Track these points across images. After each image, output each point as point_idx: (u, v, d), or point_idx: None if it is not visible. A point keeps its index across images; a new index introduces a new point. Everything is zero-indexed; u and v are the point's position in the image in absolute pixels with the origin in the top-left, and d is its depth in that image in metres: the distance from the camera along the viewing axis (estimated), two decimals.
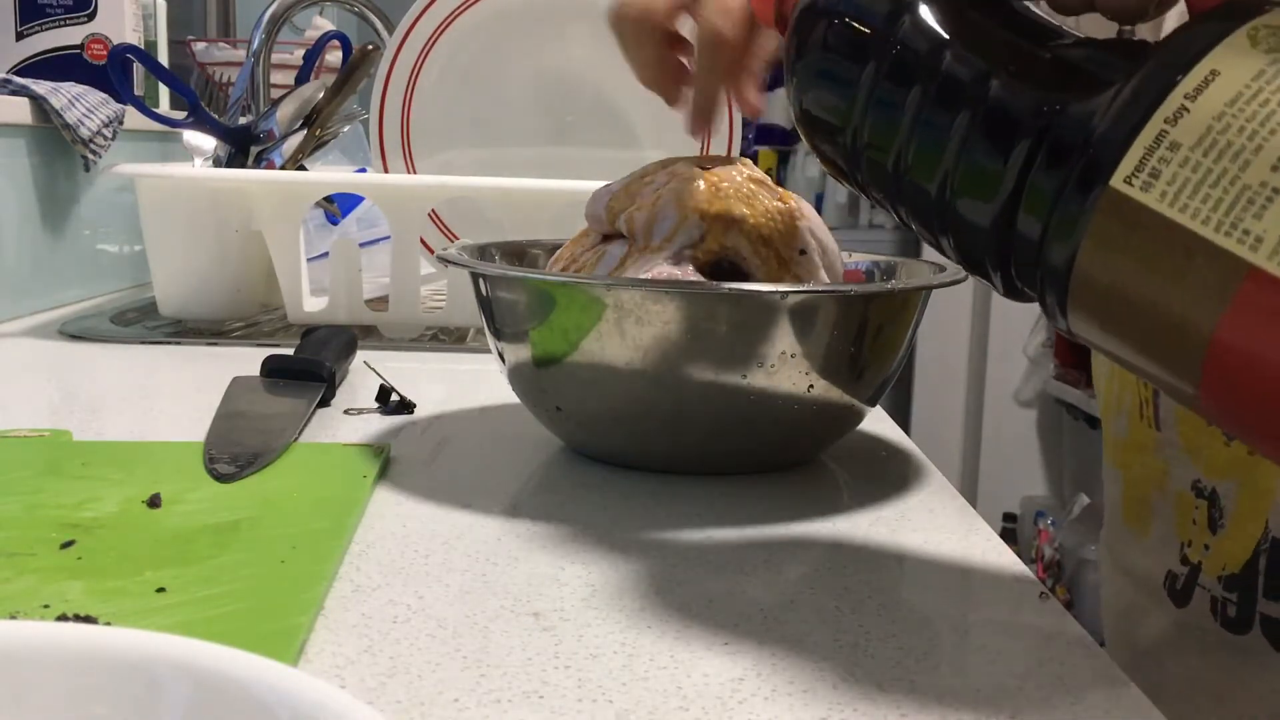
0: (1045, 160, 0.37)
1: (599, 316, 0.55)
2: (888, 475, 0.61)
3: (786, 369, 0.56)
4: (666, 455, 0.60)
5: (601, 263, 0.61)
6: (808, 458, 0.63)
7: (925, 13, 0.40)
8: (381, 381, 0.72)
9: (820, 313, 0.56)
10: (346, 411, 0.71)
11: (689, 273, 0.57)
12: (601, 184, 0.63)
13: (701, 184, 0.58)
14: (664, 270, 0.57)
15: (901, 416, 3.18)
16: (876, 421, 0.72)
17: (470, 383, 0.80)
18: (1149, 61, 0.35)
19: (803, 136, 0.45)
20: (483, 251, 0.69)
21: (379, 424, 0.68)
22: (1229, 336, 0.33)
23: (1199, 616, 0.60)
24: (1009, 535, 3.07)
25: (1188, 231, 0.33)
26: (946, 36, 0.39)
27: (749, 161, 0.62)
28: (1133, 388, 0.64)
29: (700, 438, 0.58)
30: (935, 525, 0.55)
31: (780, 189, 0.61)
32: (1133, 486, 0.65)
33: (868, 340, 0.58)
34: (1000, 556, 0.50)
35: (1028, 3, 0.40)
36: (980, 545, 0.52)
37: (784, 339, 0.55)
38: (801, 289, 0.57)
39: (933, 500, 0.58)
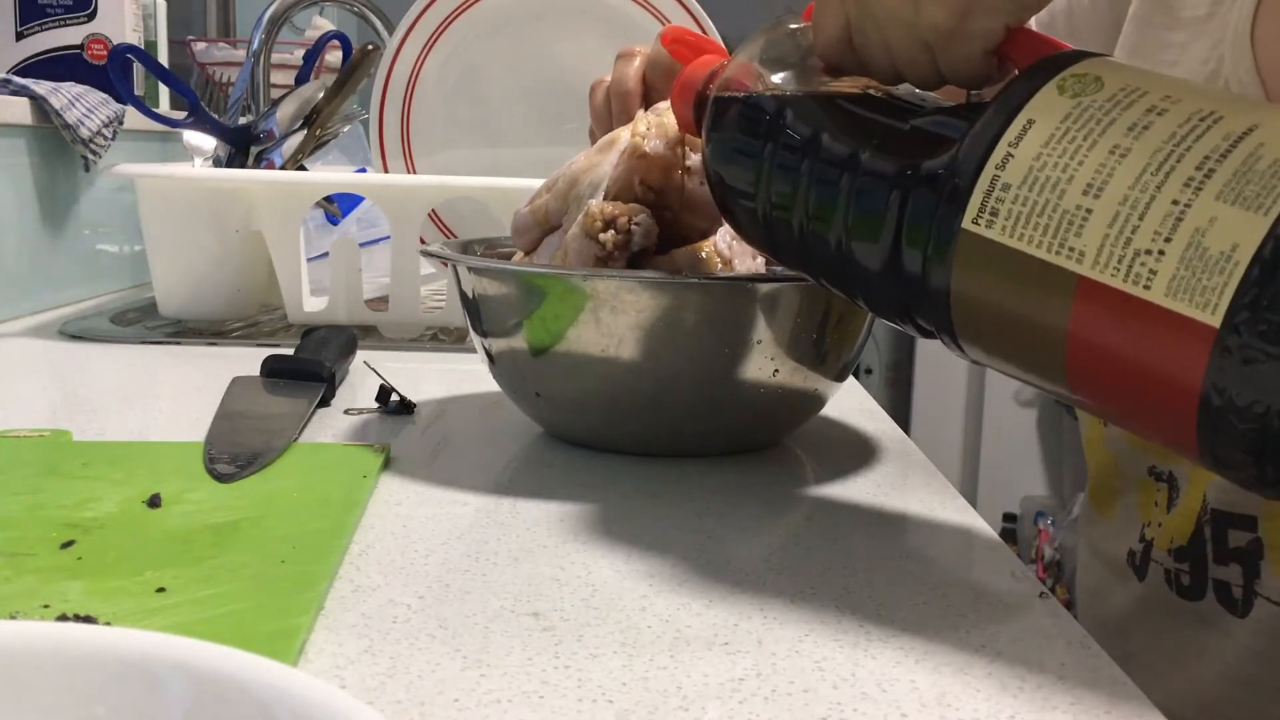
0: (911, 215, 0.43)
1: (576, 306, 0.58)
2: (888, 475, 0.61)
3: (754, 354, 0.59)
4: (640, 438, 0.62)
5: (540, 256, 0.63)
6: (777, 439, 0.66)
7: (803, 106, 0.48)
8: (381, 381, 0.72)
9: (785, 301, 0.59)
10: (346, 411, 0.71)
11: (616, 203, 0.60)
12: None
13: (596, 147, 0.62)
14: (588, 206, 0.60)
15: (901, 416, 3.18)
16: (877, 421, 0.73)
17: (470, 382, 0.80)
18: (981, 119, 0.42)
19: (718, 205, 0.52)
20: (465, 248, 0.70)
21: (379, 424, 0.68)
22: (1077, 339, 0.39)
23: (1157, 589, 0.64)
24: (1009, 535, 3.07)
25: (1027, 256, 0.39)
26: (821, 123, 0.47)
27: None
28: None
29: (672, 422, 0.61)
30: (935, 525, 0.55)
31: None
32: (1097, 475, 0.70)
33: (830, 326, 0.61)
34: (1000, 556, 0.50)
35: (893, 89, 0.48)
36: (980, 545, 0.52)
37: (752, 326, 0.58)
38: (770, 278, 0.60)
39: (933, 500, 0.58)
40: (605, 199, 0.60)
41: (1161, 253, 0.37)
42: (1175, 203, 0.37)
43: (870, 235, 0.44)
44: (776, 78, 0.50)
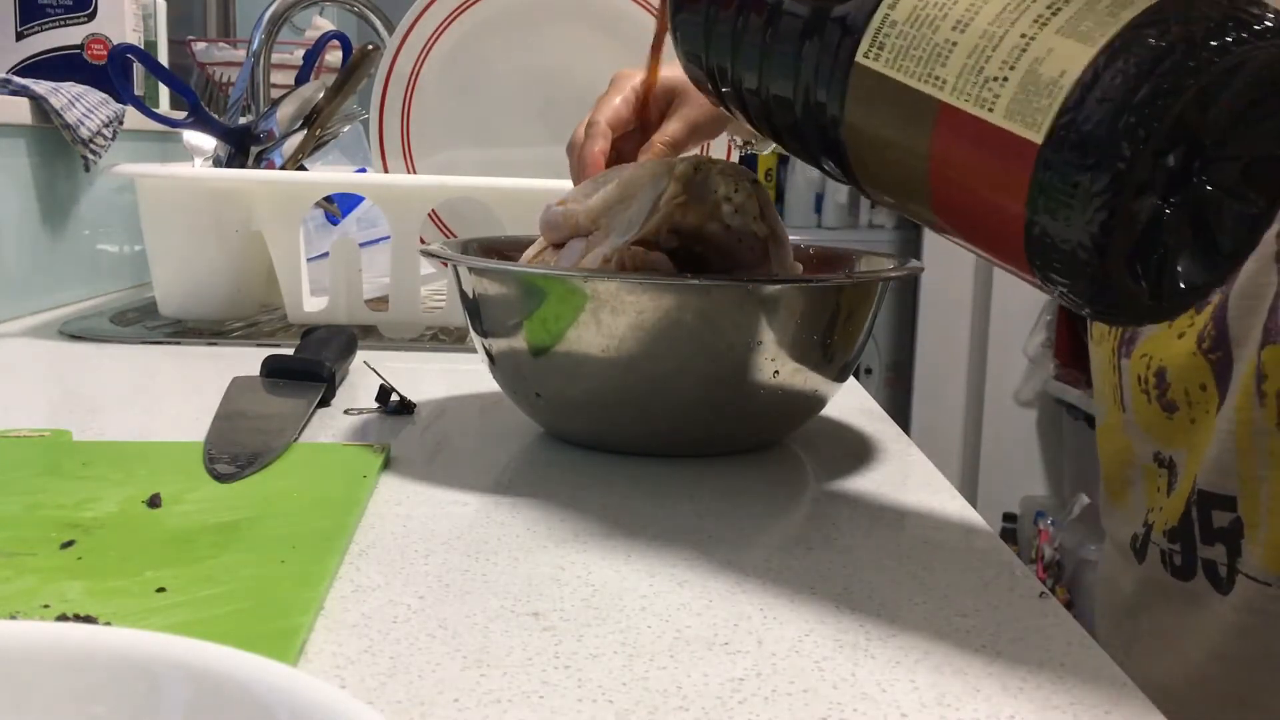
0: (819, 53, 0.47)
1: (577, 307, 0.58)
2: (888, 475, 0.61)
3: (754, 355, 0.59)
4: (640, 438, 0.62)
5: (564, 259, 0.63)
6: (777, 439, 0.66)
7: None
8: (381, 381, 0.72)
9: (786, 302, 0.59)
10: (346, 411, 0.71)
11: (638, 250, 0.60)
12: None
13: (647, 169, 0.62)
14: (615, 244, 0.60)
15: (901, 416, 3.18)
16: (876, 421, 0.73)
17: (470, 382, 0.80)
18: None
19: (684, 69, 0.56)
20: (465, 248, 0.70)
21: (379, 424, 0.68)
22: (937, 162, 0.43)
23: (1155, 570, 0.66)
24: (1009, 535, 3.07)
25: (902, 85, 0.44)
26: None
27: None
28: (1108, 375, 0.69)
29: (672, 422, 0.61)
30: (935, 525, 0.55)
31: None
32: (1110, 465, 0.71)
33: (830, 327, 0.62)
34: (1000, 556, 0.50)
35: None
36: (980, 545, 0.52)
37: (753, 327, 0.59)
38: (770, 279, 0.61)
39: (933, 500, 0.58)
40: (636, 233, 0.60)
41: (1005, 79, 0.41)
42: (1024, 36, 0.41)
43: (788, 75, 0.49)
44: None
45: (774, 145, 0.80)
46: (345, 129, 1.16)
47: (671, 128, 0.71)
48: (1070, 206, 0.39)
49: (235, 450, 0.59)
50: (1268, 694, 0.60)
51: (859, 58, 0.45)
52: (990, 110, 0.41)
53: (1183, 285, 0.41)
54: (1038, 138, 0.39)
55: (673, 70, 0.73)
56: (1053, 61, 0.40)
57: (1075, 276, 0.40)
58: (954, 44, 0.42)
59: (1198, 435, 0.62)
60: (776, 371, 0.60)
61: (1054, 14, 0.40)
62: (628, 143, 0.72)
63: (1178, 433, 0.63)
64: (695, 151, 1.00)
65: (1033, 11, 0.41)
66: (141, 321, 1.03)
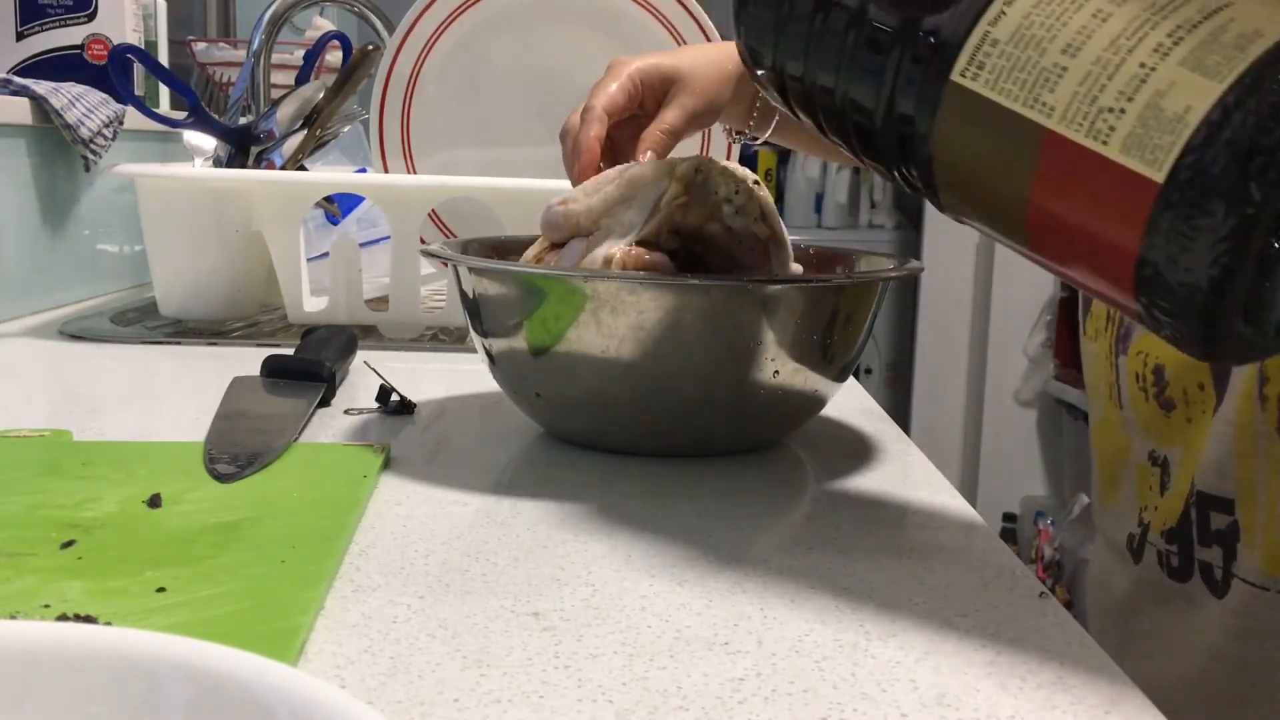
0: (908, 66, 0.45)
1: (577, 307, 0.58)
2: (888, 475, 0.61)
3: (754, 355, 0.59)
4: (640, 438, 0.62)
5: (565, 259, 0.63)
6: (777, 439, 0.66)
7: None
8: (381, 381, 0.72)
9: (786, 302, 0.59)
10: (346, 411, 0.71)
11: (639, 251, 0.60)
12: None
13: (649, 169, 0.62)
14: (616, 246, 0.60)
15: (901, 416, 3.18)
16: (876, 421, 0.73)
17: (470, 382, 0.80)
18: None
19: (747, 69, 0.54)
20: (465, 248, 0.70)
21: (379, 424, 0.68)
22: (1038, 190, 0.41)
23: (1151, 571, 0.65)
24: (1009, 535, 3.07)
25: (1003, 108, 0.42)
26: None
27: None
28: (1104, 372, 0.69)
29: (672, 422, 0.61)
30: (935, 525, 0.55)
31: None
32: (1105, 464, 0.71)
33: (830, 327, 0.61)
34: (1000, 556, 0.50)
35: None
36: (980, 545, 0.52)
37: (753, 327, 0.59)
38: (770, 279, 0.61)
39: (933, 500, 0.58)
40: (637, 234, 0.60)
41: (1123, 110, 0.39)
42: (1143, 65, 0.39)
43: (872, 85, 0.46)
44: None
45: (764, 136, 0.80)
46: (345, 129, 1.16)
47: (670, 115, 0.70)
48: (1190, 250, 0.37)
49: (235, 450, 0.59)
50: (1265, 698, 0.60)
51: (955, 76, 0.43)
52: (1104, 143, 0.39)
53: None
54: (1158, 176, 0.38)
55: (670, 58, 0.73)
56: (1176, 96, 0.38)
57: (1187, 318, 0.39)
58: (1064, 69, 0.40)
59: (1193, 434, 0.62)
60: (776, 371, 0.60)
61: (1176, 44, 0.38)
62: (623, 130, 0.71)
63: (1174, 431, 0.63)
64: (693, 138, 1.01)
65: (1152, 40, 0.39)
66: (141, 321, 1.03)
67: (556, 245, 0.65)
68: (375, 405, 0.71)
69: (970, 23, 0.43)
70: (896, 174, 0.49)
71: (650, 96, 0.72)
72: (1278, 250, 0.38)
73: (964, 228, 0.49)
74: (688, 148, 1.04)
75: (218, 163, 1.16)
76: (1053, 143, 0.40)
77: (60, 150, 1.14)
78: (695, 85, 0.71)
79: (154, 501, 0.51)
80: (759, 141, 0.81)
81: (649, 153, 0.69)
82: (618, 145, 0.72)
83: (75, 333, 0.97)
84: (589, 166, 0.68)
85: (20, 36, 1.23)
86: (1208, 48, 0.38)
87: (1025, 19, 0.42)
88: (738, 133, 0.80)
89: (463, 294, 0.64)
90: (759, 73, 0.54)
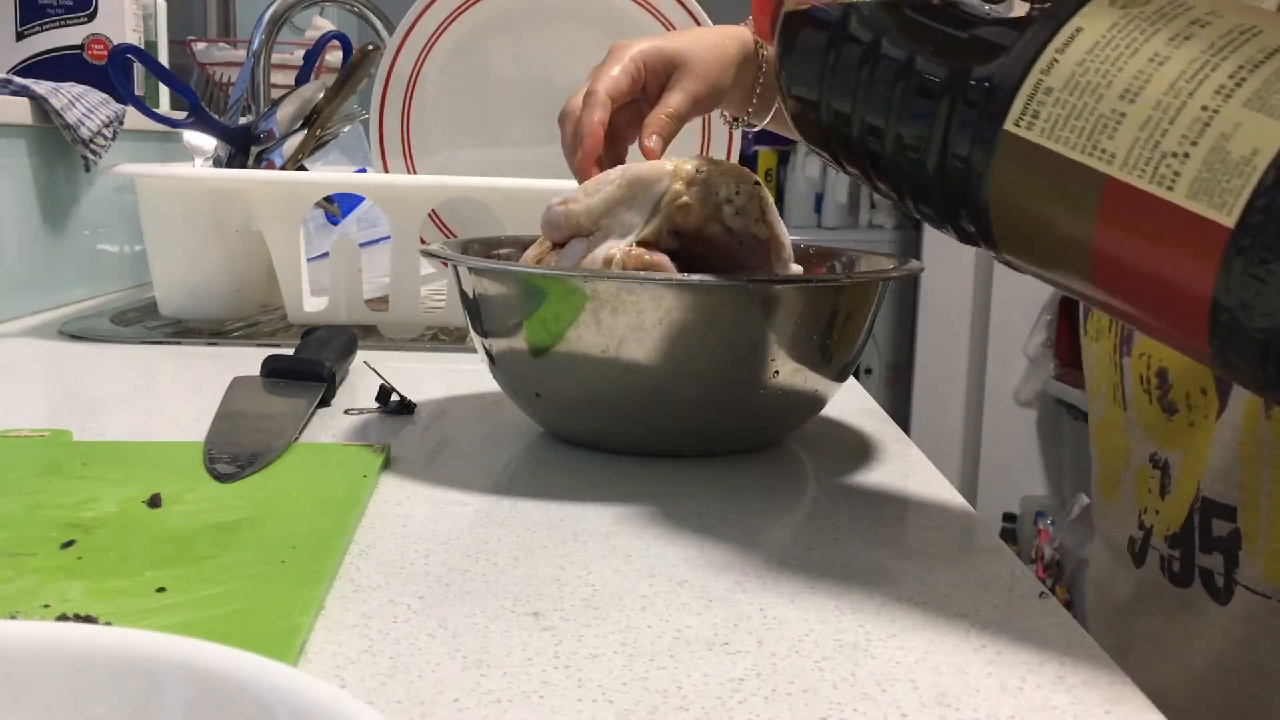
0: (959, 117, 0.44)
1: (577, 307, 0.58)
2: (888, 475, 0.61)
3: (754, 355, 0.59)
4: (640, 438, 0.62)
5: (565, 259, 0.63)
6: (777, 439, 0.66)
7: (868, 13, 0.49)
8: (381, 381, 0.72)
9: (786, 302, 0.59)
10: (346, 411, 0.71)
11: (639, 252, 0.60)
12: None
13: (650, 169, 0.62)
14: (617, 246, 0.60)
15: (901, 416, 3.18)
16: (876, 421, 0.73)
17: (470, 382, 0.80)
18: (1032, 26, 0.43)
19: (790, 118, 0.53)
20: (465, 248, 0.70)
21: (379, 424, 0.68)
22: (1102, 238, 0.41)
23: (1153, 574, 0.65)
24: (1009, 535, 3.07)
25: (1061, 157, 0.41)
26: (883, 29, 0.48)
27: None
28: (1108, 373, 0.69)
29: (672, 422, 0.61)
30: (935, 525, 0.55)
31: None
32: (1106, 464, 0.70)
33: (830, 327, 0.61)
34: (1000, 556, 0.50)
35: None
36: (980, 545, 0.52)
37: (753, 327, 0.59)
38: (770, 279, 0.61)
39: (933, 500, 0.58)
40: (637, 234, 0.60)
41: (1187, 155, 0.38)
42: (1205, 109, 0.38)
43: (922, 137, 0.46)
44: None
45: (761, 124, 0.80)
46: (345, 129, 1.16)
47: (674, 99, 0.69)
48: (1264, 295, 0.36)
49: (235, 450, 0.59)
50: (1262, 705, 0.60)
51: (1009, 125, 0.42)
52: (1170, 189, 0.38)
53: None
54: (1229, 221, 0.37)
55: (672, 41, 0.72)
56: (1242, 138, 0.37)
57: (1265, 362, 0.38)
58: (1122, 114, 0.39)
59: (1196, 439, 0.61)
60: (776, 371, 0.60)
61: (1238, 85, 0.38)
62: (622, 114, 0.70)
63: (1176, 435, 0.63)
64: (694, 138, 1.00)
65: (1213, 82, 0.38)
66: (141, 321, 1.03)
67: (557, 245, 0.65)
68: (375, 405, 0.71)
69: (1022, 72, 0.42)
70: (950, 224, 0.48)
71: (652, 80, 0.71)
72: None
73: None
74: (688, 148, 1.04)
75: (218, 163, 1.16)
76: (1115, 190, 0.40)
77: (60, 150, 1.14)
78: (698, 69, 0.70)
79: (154, 501, 0.51)
80: (756, 128, 0.80)
81: (654, 137, 0.68)
82: (616, 129, 0.70)
83: (75, 333, 0.97)
84: (591, 153, 0.68)
85: (20, 36, 1.23)
86: (1271, 88, 0.37)
87: (1079, 66, 0.41)
88: (735, 119, 0.80)
89: (463, 294, 0.64)
90: (804, 126, 0.53)
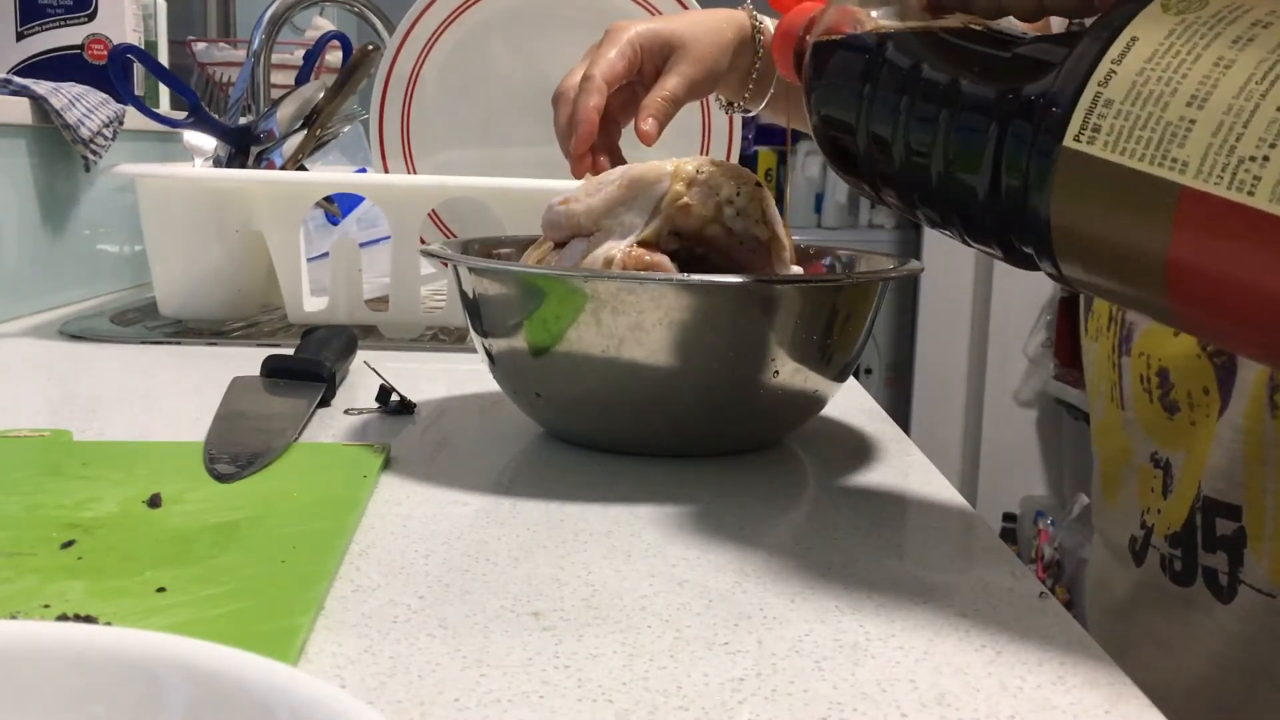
0: (1012, 137, 0.43)
1: (577, 307, 0.58)
2: (887, 475, 0.61)
3: (754, 355, 0.59)
4: (640, 438, 0.62)
5: (566, 259, 0.63)
6: (777, 439, 0.66)
7: (905, 40, 0.48)
8: (381, 381, 0.72)
9: (786, 302, 0.59)
10: (346, 411, 0.71)
11: (640, 252, 0.60)
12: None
13: (650, 170, 0.62)
14: (617, 246, 0.60)
15: (901, 416, 3.18)
16: (876, 421, 0.73)
17: (470, 382, 0.80)
18: (1083, 40, 0.42)
19: (821, 147, 0.52)
20: (465, 248, 0.70)
21: (379, 424, 0.68)
22: (1179, 249, 0.39)
23: (1153, 574, 0.65)
24: (1009, 535, 3.07)
25: (1129, 170, 0.40)
26: (923, 55, 0.47)
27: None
28: (1106, 372, 0.69)
29: (672, 422, 0.61)
30: (935, 525, 0.55)
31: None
32: (1107, 464, 0.70)
33: (830, 327, 0.61)
34: (1000, 556, 0.50)
35: (993, 21, 0.49)
36: (980, 545, 0.52)
37: (753, 327, 0.59)
38: (770, 279, 0.60)
39: (933, 500, 0.58)
40: (637, 235, 0.60)
41: (1266, 159, 0.37)
42: None
43: (973, 160, 0.45)
44: (876, 15, 0.50)
45: (757, 109, 0.79)
46: (345, 129, 1.16)
47: (670, 83, 0.69)
48: None
49: (235, 450, 0.59)
50: (1264, 704, 0.60)
51: (1068, 142, 0.41)
52: (1250, 194, 0.37)
53: None
54: None
55: (668, 24, 0.72)
56: None
57: None
58: (1192, 121, 0.38)
59: (1197, 438, 0.61)
60: (776, 371, 0.60)
61: None
62: (616, 96, 0.70)
63: (1178, 434, 0.63)
64: (694, 138, 1.00)
65: None
66: (141, 321, 1.03)
67: (558, 245, 0.65)
68: (375, 405, 0.71)
69: (1078, 86, 0.41)
70: (1002, 246, 0.47)
71: (648, 63, 0.70)
72: None
73: None
74: (689, 149, 1.04)
75: (218, 163, 1.16)
76: (1190, 199, 0.38)
77: (60, 150, 1.14)
78: (695, 52, 0.70)
79: (154, 501, 0.51)
80: (752, 114, 0.80)
81: (650, 120, 0.68)
82: (611, 112, 0.70)
83: (75, 333, 0.97)
84: (587, 137, 0.67)
85: (20, 36, 1.23)
86: None
87: (1140, 75, 0.40)
88: (731, 104, 0.80)
89: (463, 294, 0.64)
90: (836, 154, 0.52)
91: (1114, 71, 0.41)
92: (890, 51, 0.48)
